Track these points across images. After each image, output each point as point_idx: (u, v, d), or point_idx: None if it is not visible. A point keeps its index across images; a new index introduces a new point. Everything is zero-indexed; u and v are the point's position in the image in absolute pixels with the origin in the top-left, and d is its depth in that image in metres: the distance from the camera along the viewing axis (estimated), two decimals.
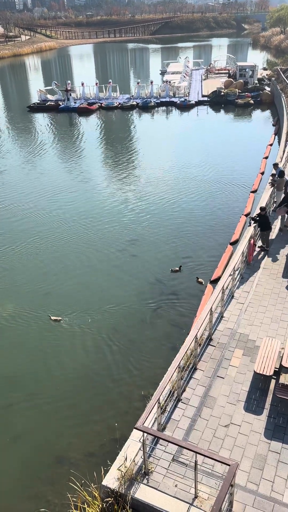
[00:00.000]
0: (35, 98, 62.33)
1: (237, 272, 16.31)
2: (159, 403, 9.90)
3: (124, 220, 25.33)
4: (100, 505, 9.32)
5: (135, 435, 9.97)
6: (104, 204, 27.63)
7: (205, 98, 57.19)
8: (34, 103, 58.53)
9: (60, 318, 17.40)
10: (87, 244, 22.83)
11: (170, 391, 11.19)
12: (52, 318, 17.34)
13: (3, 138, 44.41)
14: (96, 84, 60.49)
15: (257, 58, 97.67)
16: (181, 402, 11.14)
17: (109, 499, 8.96)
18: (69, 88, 57.06)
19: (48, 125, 50.21)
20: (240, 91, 57.10)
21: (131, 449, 9.81)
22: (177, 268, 19.99)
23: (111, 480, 9.22)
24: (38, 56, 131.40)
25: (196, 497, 8.77)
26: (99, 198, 28.64)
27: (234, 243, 21.93)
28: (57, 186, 30.90)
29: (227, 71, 73.33)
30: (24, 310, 17.83)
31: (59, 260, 21.37)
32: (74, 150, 40.13)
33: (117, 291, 18.80)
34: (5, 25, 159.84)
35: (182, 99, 56.56)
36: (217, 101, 55.75)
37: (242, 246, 17.40)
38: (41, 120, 52.19)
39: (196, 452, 8.47)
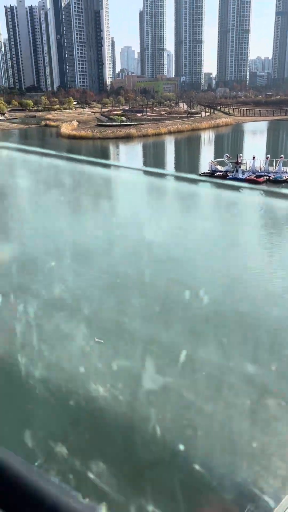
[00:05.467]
0: (205, 168, 65.82)
1: None
2: None
3: None
4: None
5: None
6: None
7: None
8: (204, 172, 61.78)
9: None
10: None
11: None
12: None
13: (175, 203, 47.38)
14: (267, 158, 61.26)
15: None
16: None
17: None
18: (239, 161, 58.93)
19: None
20: None
21: None
22: None
23: None
24: (214, 130, 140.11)
25: None
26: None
27: None
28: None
29: None
30: None
31: None
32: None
33: None
34: (189, 103, 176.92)
35: None
36: None
37: None
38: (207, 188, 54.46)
39: None
